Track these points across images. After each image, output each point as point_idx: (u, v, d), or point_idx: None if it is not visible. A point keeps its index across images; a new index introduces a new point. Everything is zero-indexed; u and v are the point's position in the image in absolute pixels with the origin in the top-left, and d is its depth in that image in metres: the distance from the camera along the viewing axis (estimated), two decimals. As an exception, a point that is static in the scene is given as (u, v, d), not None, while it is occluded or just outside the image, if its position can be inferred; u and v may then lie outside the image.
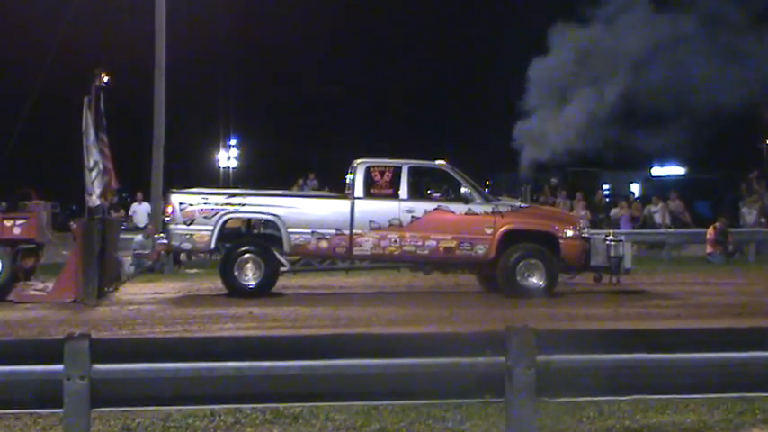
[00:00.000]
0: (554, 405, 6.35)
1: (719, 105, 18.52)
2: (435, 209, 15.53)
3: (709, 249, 22.73)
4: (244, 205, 15.58)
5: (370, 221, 15.39)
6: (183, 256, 21.10)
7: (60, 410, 5.72)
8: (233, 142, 54.28)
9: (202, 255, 20.05)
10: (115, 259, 17.13)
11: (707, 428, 6.98)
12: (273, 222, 15.50)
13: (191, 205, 15.41)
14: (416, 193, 15.72)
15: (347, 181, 16.17)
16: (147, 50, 23.90)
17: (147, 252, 20.11)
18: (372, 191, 15.60)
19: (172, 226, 15.51)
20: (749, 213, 25.32)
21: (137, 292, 16.34)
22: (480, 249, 15.37)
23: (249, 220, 16.23)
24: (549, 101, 18.19)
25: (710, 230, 22.84)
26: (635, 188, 42.11)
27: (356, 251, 15.47)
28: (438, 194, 15.90)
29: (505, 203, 16.01)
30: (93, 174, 15.43)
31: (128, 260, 19.58)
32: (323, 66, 49.23)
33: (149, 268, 19.92)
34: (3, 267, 15.18)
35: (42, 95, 20.30)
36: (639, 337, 6.41)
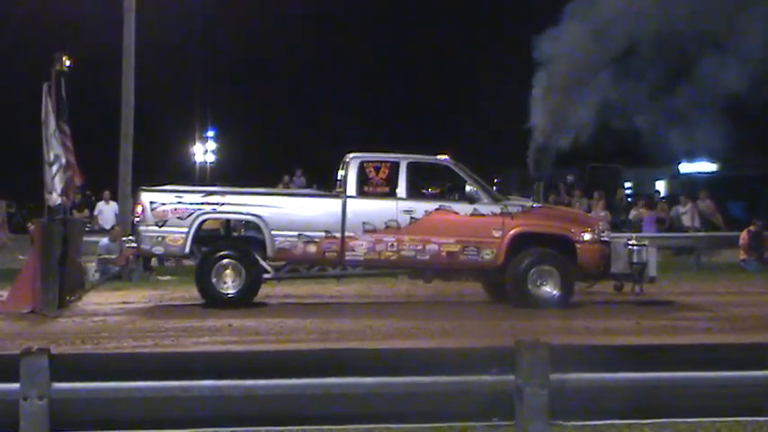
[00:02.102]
0: (569, 430, 6.35)
1: None
2: (437, 209, 15.55)
3: (742, 255, 22.78)
4: (222, 205, 15.59)
5: (364, 223, 15.40)
6: (154, 262, 21.09)
7: (16, 435, 5.71)
8: (210, 134, 54.27)
9: (176, 260, 20.05)
10: (78, 265, 17.11)
11: (740, 455, 7.00)
12: (255, 224, 15.51)
13: (163, 204, 15.41)
14: (416, 191, 15.73)
15: (338, 178, 16.18)
16: (114, 32, 23.90)
17: (113, 257, 20.09)
18: (366, 189, 15.62)
19: (142, 228, 15.50)
20: (788, 215, 25.35)
21: (102, 302, 16.33)
22: (487, 254, 15.39)
23: (228, 221, 16.24)
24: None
25: (744, 234, 22.88)
26: (660, 186, 42.10)
27: (348, 256, 15.47)
28: (440, 193, 15.93)
29: (516, 203, 16.03)
30: (54, 169, 15.41)
31: (92, 266, 19.57)
32: (311, 48, 49.15)
33: (116, 275, 19.91)
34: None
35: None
36: (665, 354, 6.42)
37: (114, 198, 23.95)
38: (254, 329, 13.23)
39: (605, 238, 15.96)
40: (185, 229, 15.29)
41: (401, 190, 15.55)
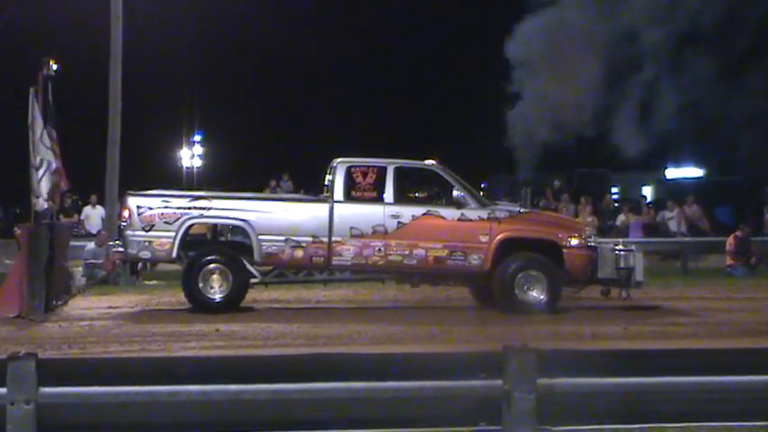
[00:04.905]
0: (557, 434, 6.36)
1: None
2: (424, 214, 15.55)
3: (729, 261, 22.79)
4: (209, 209, 15.55)
5: (352, 228, 15.39)
6: (140, 266, 21.03)
7: (3, 440, 5.69)
8: (197, 139, 54.33)
9: (163, 265, 19.99)
10: (65, 269, 17.06)
11: (727, 460, 7.00)
12: (243, 228, 15.48)
13: (150, 209, 15.37)
14: (403, 196, 15.72)
15: (326, 182, 16.17)
16: (101, 35, 23.84)
17: (100, 261, 20.05)
18: (354, 194, 15.61)
19: (129, 232, 15.46)
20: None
21: (89, 307, 16.28)
22: (474, 259, 15.39)
23: (215, 225, 16.21)
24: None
25: (731, 240, 22.89)
26: (647, 191, 42.22)
27: (335, 261, 15.46)
28: (427, 198, 15.93)
29: (503, 208, 16.03)
30: (41, 173, 15.36)
31: (79, 270, 19.51)
32: (299, 54, 49.16)
33: (103, 279, 19.85)
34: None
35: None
36: (652, 359, 6.44)
37: (101, 202, 23.89)
38: (241, 334, 13.20)
39: (592, 244, 16.00)
40: (172, 234, 15.26)
41: (388, 195, 15.54)
